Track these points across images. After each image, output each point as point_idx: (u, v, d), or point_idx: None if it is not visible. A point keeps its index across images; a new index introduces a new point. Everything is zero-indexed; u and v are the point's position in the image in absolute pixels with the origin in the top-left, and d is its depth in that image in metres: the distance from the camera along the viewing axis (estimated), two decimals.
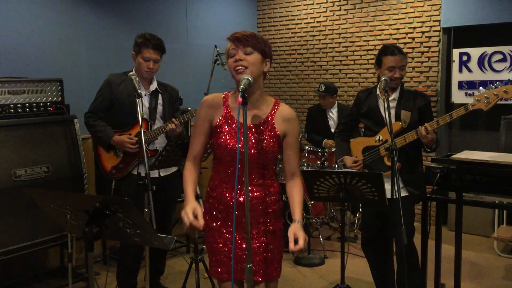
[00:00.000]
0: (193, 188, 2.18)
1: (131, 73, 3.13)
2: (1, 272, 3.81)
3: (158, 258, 3.69)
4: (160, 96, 3.51)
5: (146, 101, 3.44)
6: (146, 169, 2.81)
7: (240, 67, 2.02)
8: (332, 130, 5.09)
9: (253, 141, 2.10)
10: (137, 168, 3.36)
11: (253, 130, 2.12)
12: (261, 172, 2.13)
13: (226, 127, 2.13)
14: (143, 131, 3.32)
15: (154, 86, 3.49)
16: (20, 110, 3.54)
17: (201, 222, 2.02)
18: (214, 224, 2.18)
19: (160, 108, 3.51)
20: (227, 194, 2.13)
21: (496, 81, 3.05)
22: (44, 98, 3.69)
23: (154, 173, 3.34)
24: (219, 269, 2.18)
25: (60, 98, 3.80)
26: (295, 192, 2.18)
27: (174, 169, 3.57)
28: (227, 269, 2.15)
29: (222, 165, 2.14)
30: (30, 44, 4.18)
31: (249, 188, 2.09)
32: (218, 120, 2.14)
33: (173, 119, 3.39)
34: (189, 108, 3.79)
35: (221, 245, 2.16)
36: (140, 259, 3.63)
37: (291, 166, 2.21)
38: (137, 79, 3.11)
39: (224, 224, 2.16)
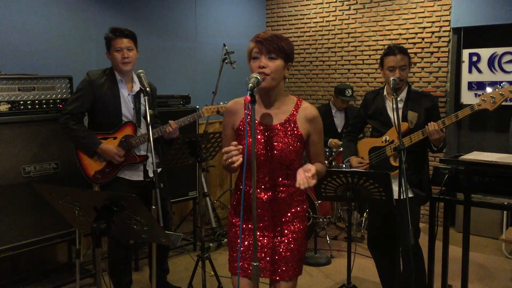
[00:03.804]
0: None
1: (139, 70, 3.02)
2: (9, 267, 3.85)
3: (160, 258, 3.63)
4: (141, 96, 3.33)
5: (130, 102, 3.31)
6: (153, 167, 2.81)
7: (261, 74, 2.02)
8: (339, 130, 5.08)
9: (274, 141, 2.10)
10: (124, 172, 3.27)
11: (275, 131, 2.11)
12: (285, 172, 2.14)
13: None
14: (131, 135, 3.26)
15: (137, 86, 3.35)
16: (30, 107, 3.57)
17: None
18: (237, 220, 2.20)
19: (143, 108, 3.33)
20: (251, 191, 2.14)
21: (506, 82, 3.02)
22: (54, 95, 3.72)
23: (140, 176, 3.26)
24: (237, 265, 2.19)
25: (70, 95, 3.82)
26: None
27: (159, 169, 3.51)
28: (246, 265, 2.16)
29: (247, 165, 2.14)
30: (40, 42, 4.21)
31: (276, 188, 2.12)
32: (239, 123, 2.16)
33: (171, 122, 3.25)
34: (197, 107, 3.79)
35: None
36: (131, 256, 3.57)
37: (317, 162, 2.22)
38: (143, 76, 2.96)
39: (246, 220, 2.17)
